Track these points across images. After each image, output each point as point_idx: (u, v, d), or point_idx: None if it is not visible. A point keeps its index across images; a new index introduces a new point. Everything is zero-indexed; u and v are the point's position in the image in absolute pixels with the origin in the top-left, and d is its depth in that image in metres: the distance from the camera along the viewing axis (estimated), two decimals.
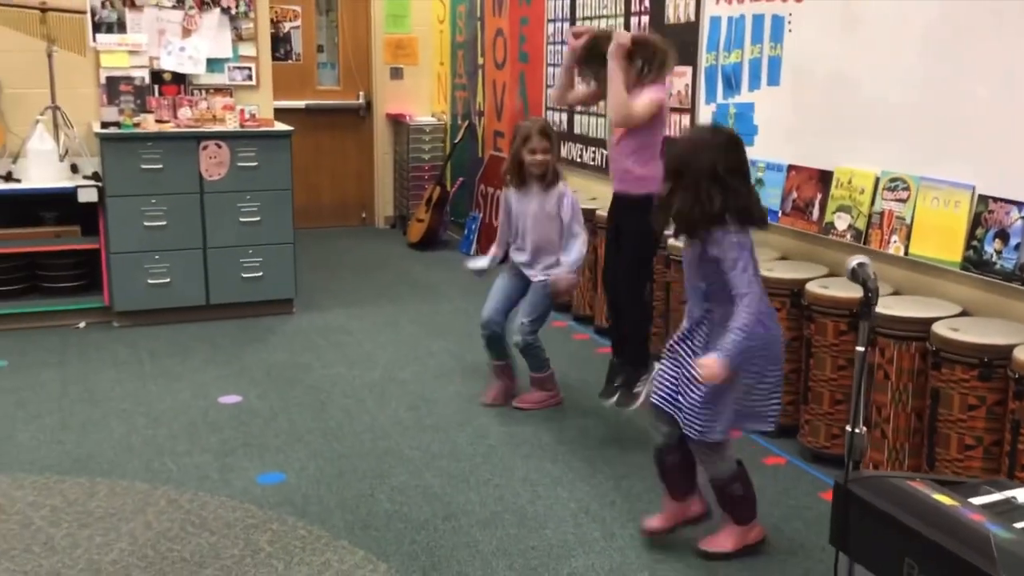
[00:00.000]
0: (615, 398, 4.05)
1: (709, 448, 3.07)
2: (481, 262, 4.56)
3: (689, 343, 3.08)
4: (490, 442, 4.05)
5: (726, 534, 3.18)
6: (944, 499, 1.76)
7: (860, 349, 1.95)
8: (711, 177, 2.89)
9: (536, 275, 4.33)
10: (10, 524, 3.30)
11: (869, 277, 2.01)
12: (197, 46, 6.01)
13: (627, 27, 5.55)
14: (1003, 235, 3.33)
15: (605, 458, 3.90)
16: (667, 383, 3.10)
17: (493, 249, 4.54)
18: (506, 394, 4.48)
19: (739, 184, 2.93)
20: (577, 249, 4.26)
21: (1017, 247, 3.27)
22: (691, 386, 3.01)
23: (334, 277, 6.87)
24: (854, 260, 2.05)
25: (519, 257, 4.40)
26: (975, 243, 3.43)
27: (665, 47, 3.90)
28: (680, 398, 3.05)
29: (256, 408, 4.39)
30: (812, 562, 3.13)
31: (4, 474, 3.69)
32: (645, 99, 3.78)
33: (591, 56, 4.00)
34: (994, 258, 3.35)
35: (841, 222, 4.03)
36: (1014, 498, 1.83)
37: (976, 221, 3.43)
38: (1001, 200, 3.34)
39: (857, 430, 1.92)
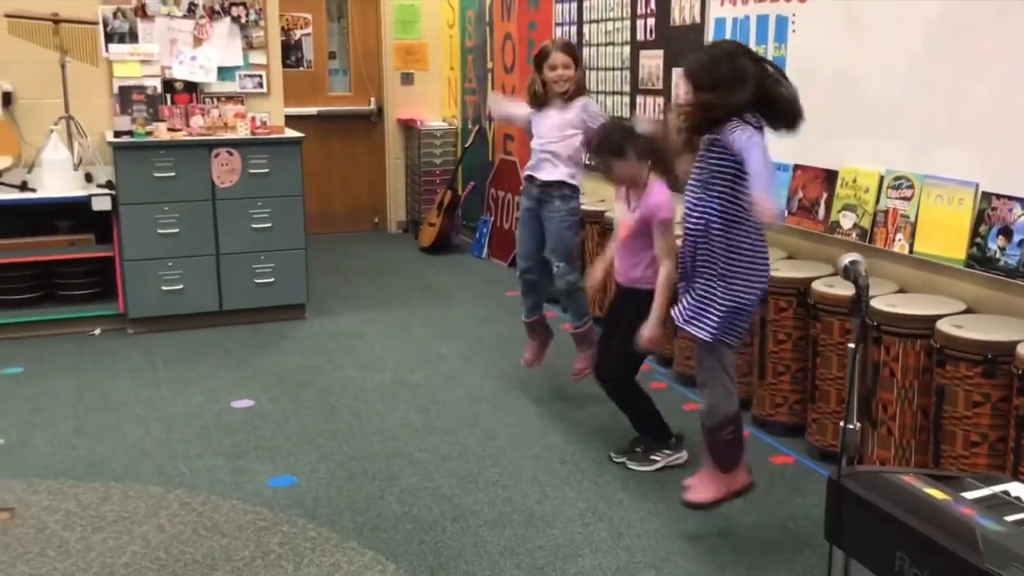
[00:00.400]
0: (627, 457, 3.88)
1: (717, 360, 3.12)
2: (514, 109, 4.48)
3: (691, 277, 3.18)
4: (499, 443, 4.08)
5: (709, 483, 3.20)
6: (936, 493, 1.77)
7: (851, 346, 1.97)
8: (738, 57, 2.96)
9: (544, 175, 4.25)
10: (25, 528, 3.36)
11: (860, 274, 2.03)
12: (208, 55, 6.08)
13: (633, 29, 5.57)
14: (1007, 232, 3.33)
15: (612, 461, 3.92)
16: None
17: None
18: (542, 350, 4.55)
19: (771, 69, 3.00)
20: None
21: (1021, 243, 3.28)
22: (699, 289, 3.13)
23: (346, 282, 6.92)
24: (846, 258, 2.07)
25: (533, 172, 4.34)
26: (979, 240, 3.43)
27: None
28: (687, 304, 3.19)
29: (268, 412, 4.44)
30: (818, 559, 3.14)
31: (19, 479, 3.74)
32: (667, 245, 3.60)
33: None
34: (998, 255, 3.36)
35: (846, 221, 4.04)
36: (1007, 492, 1.85)
37: (980, 218, 3.44)
38: (1004, 197, 3.35)
39: (851, 426, 1.94)
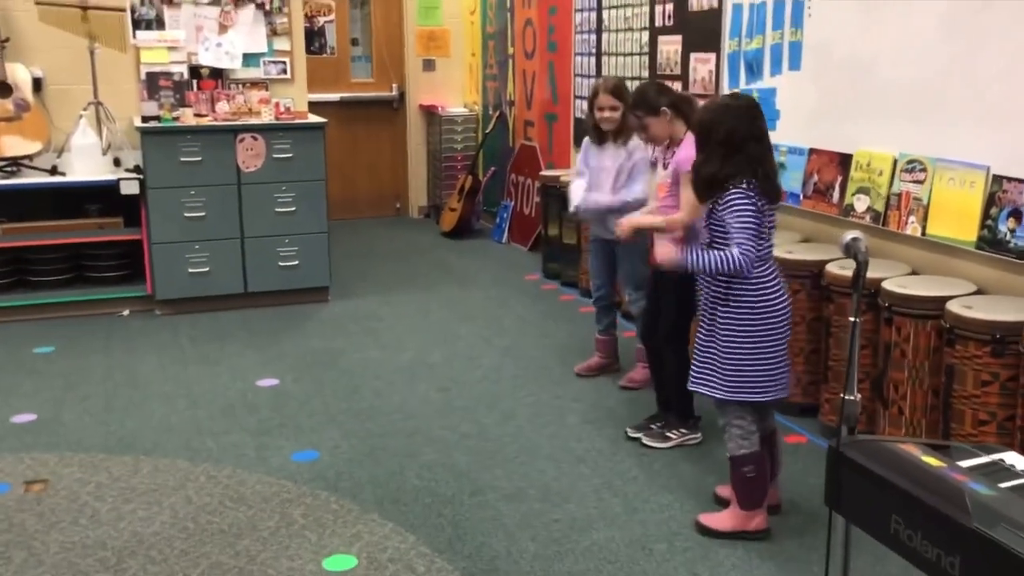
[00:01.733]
0: (644, 433, 3.96)
1: (729, 414, 3.17)
2: (575, 197, 4.51)
3: (705, 318, 3.19)
4: (516, 422, 4.17)
5: (727, 514, 3.25)
6: (932, 461, 1.84)
7: (853, 319, 2.04)
8: (728, 141, 3.02)
9: (610, 227, 4.31)
10: (58, 499, 3.48)
11: (860, 251, 2.10)
12: (233, 41, 6.18)
13: (651, 15, 5.62)
14: (1017, 214, 3.38)
15: (628, 437, 4.00)
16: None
17: (579, 182, 4.50)
18: (600, 368, 4.68)
19: (756, 150, 3.04)
20: (633, 191, 4.26)
21: None
22: (700, 350, 3.19)
23: (368, 266, 7.02)
24: (848, 235, 2.13)
25: (589, 214, 4.49)
26: (989, 222, 3.48)
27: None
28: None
29: (292, 391, 4.55)
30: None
31: (52, 453, 3.87)
32: (688, 201, 3.60)
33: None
34: (1008, 237, 3.41)
35: (860, 204, 4.08)
36: (1002, 460, 1.91)
37: (991, 201, 3.48)
38: (1015, 180, 3.39)
39: (850, 397, 2.01)
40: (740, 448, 3.17)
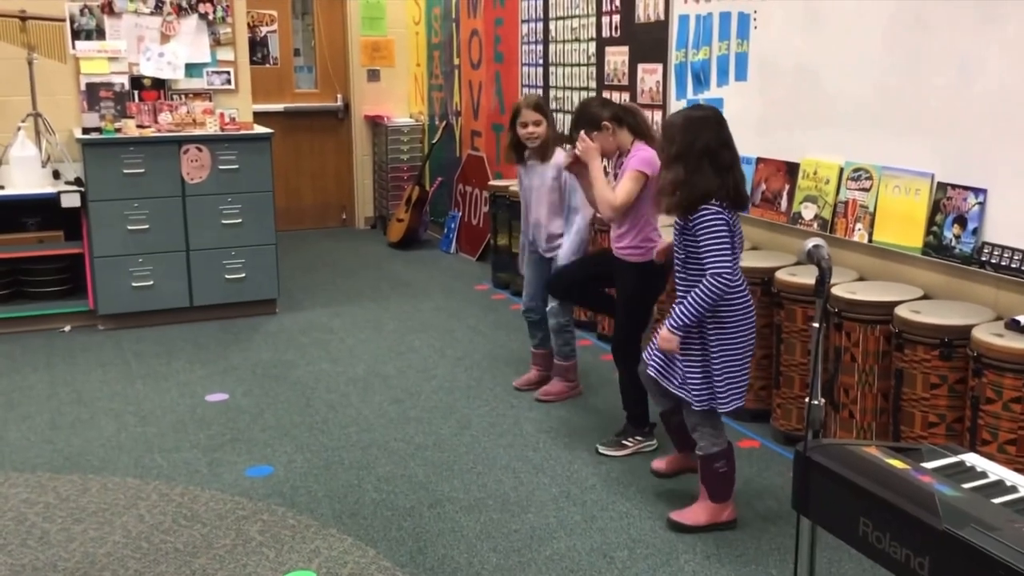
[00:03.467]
0: (599, 443, 3.98)
1: (703, 417, 3.22)
2: (520, 262, 4.67)
3: (693, 332, 3.23)
4: (472, 432, 4.16)
5: (699, 508, 3.31)
6: (896, 463, 1.88)
7: (815, 325, 2.07)
8: (706, 153, 3.05)
9: (542, 246, 4.42)
10: (4, 520, 3.38)
11: (823, 257, 2.13)
12: (176, 51, 6.09)
13: (598, 26, 5.67)
14: (961, 220, 3.47)
15: (584, 445, 4.02)
16: (659, 356, 3.28)
17: (522, 239, 4.61)
18: (539, 382, 4.63)
19: (727, 158, 3.08)
20: (575, 232, 4.29)
21: (975, 232, 3.41)
22: (683, 359, 3.20)
23: (316, 277, 6.96)
24: (809, 242, 2.17)
25: (530, 234, 4.50)
26: (935, 229, 3.56)
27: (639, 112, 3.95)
28: (675, 369, 3.23)
29: (242, 405, 4.48)
30: (784, 538, 3.26)
31: None
32: (623, 189, 3.72)
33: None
34: (953, 243, 3.49)
35: (808, 212, 4.16)
36: (963, 462, 1.96)
37: (936, 207, 3.57)
38: (959, 187, 3.48)
39: (815, 401, 2.04)
40: (712, 447, 3.23)
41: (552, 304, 4.43)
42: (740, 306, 3.15)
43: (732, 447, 3.31)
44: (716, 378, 3.17)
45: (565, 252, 4.32)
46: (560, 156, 4.27)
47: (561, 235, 4.37)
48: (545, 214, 4.37)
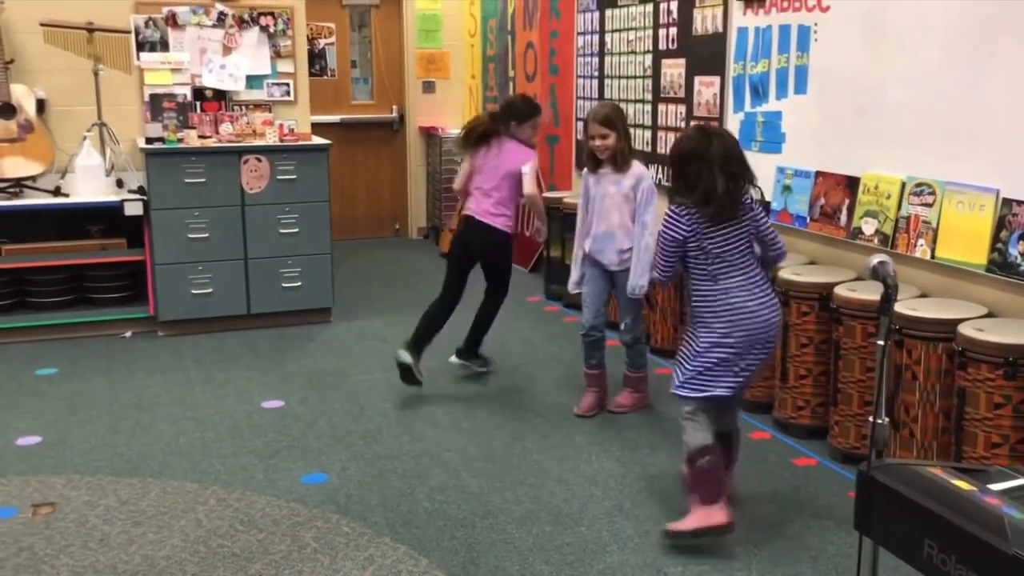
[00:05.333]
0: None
1: (681, 407, 3.33)
2: (573, 279, 4.55)
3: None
4: (525, 444, 4.16)
5: (691, 512, 3.31)
6: (962, 484, 1.84)
7: (880, 343, 2.04)
8: (674, 162, 3.32)
9: (611, 259, 4.35)
10: (66, 522, 3.45)
11: (889, 274, 2.10)
12: (237, 63, 6.19)
13: (655, 38, 5.66)
14: None
15: (637, 459, 4.00)
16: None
17: (577, 253, 4.53)
18: (600, 403, 4.55)
19: (697, 170, 3.21)
20: (645, 249, 4.20)
21: None
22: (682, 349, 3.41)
23: (369, 287, 7.02)
24: (875, 259, 2.14)
25: (594, 245, 4.40)
26: (1000, 246, 3.50)
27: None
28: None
29: (298, 412, 4.53)
30: (842, 557, 3.21)
31: (59, 475, 3.84)
32: (530, 179, 4.69)
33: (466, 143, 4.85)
34: (1019, 260, 3.42)
35: (868, 227, 4.10)
36: None
37: (1000, 224, 3.50)
38: None
39: (879, 421, 2.01)
40: (692, 441, 3.27)
41: (627, 320, 4.42)
42: (703, 308, 3.28)
43: (715, 447, 3.27)
44: (681, 365, 3.32)
45: (639, 271, 4.24)
46: (641, 167, 4.32)
47: (631, 248, 4.31)
48: (618, 223, 4.31)
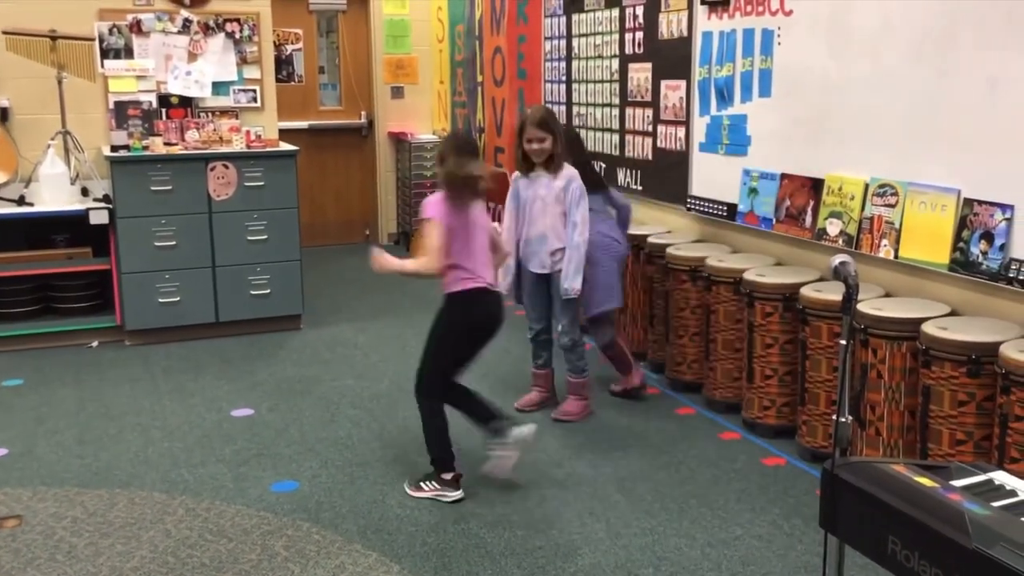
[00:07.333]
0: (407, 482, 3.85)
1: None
2: (504, 286, 4.38)
3: None
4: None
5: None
6: (925, 481, 1.87)
7: (843, 342, 2.07)
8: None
9: (543, 262, 4.38)
10: (33, 535, 3.42)
11: (850, 274, 2.13)
12: (203, 70, 6.16)
13: (622, 43, 5.69)
14: (988, 236, 3.44)
15: (608, 462, 4.01)
16: None
17: (508, 261, 4.40)
18: (540, 402, 4.61)
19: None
20: (575, 248, 4.26)
21: (1002, 248, 3.39)
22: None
23: (339, 293, 7.00)
24: (836, 259, 2.16)
25: (526, 249, 4.44)
26: (961, 245, 3.54)
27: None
28: None
29: (268, 420, 4.51)
30: (811, 556, 3.24)
31: (26, 487, 3.80)
32: (431, 246, 3.83)
33: None
34: (980, 259, 3.47)
35: (833, 228, 4.15)
36: (992, 480, 1.94)
37: (962, 224, 3.55)
38: (985, 203, 3.46)
39: (843, 419, 2.04)
40: (606, 338, 4.06)
41: (563, 322, 4.44)
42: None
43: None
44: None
45: (570, 274, 4.30)
46: (571, 169, 4.35)
47: (562, 249, 4.35)
48: (550, 225, 4.36)
